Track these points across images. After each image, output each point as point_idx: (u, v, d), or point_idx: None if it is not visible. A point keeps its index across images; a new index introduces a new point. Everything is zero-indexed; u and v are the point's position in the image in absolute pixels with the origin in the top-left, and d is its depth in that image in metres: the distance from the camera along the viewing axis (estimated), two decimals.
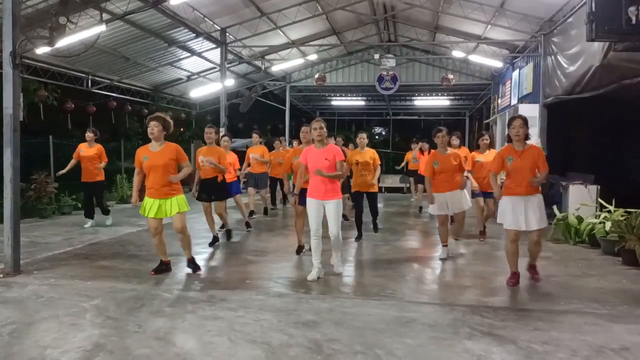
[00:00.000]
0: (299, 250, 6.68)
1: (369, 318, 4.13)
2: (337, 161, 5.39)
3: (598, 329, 3.93)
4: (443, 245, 6.55)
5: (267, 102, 20.33)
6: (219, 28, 12.84)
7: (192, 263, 5.70)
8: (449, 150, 6.60)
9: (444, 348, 3.53)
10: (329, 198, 5.37)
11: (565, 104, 9.78)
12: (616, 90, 7.74)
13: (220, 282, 5.33)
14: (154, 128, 5.30)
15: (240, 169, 9.11)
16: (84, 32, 8.24)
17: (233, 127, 20.07)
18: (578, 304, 4.56)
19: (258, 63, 16.48)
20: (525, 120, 5.12)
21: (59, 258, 6.36)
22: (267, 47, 15.07)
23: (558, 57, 9.90)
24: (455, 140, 9.26)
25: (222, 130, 12.92)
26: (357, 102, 24.04)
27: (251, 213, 10.37)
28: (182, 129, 19.55)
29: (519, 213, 5.05)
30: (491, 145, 8.28)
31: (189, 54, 13.71)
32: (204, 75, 16.05)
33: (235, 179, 8.76)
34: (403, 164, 13.68)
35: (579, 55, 8.47)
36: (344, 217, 8.69)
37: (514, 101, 13.35)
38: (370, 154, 7.58)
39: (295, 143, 12.40)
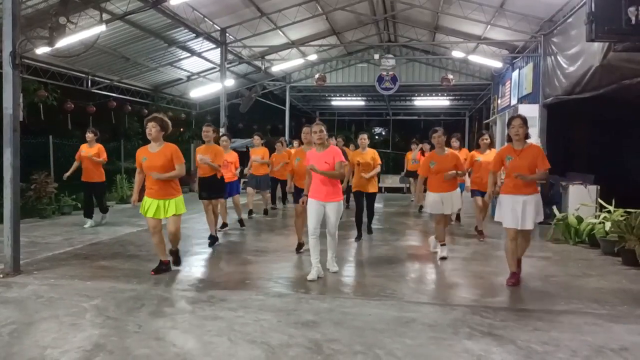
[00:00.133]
0: (299, 247, 6.77)
1: (369, 318, 4.13)
2: (336, 162, 5.43)
3: (598, 329, 3.93)
4: (441, 245, 6.57)
5: (267, 102, 20.33)
6: (219, 28, 12.84)
7: (175, 255, 5.81)
8: (447, 151, 6.63)
9: (443, 348, 3.53)
10: (330, 199, 5.45)
11: (565, 104, 9.78)
12: (616, 90, 7.74)
13: (220, 282, 5.33)
14: (151, 129, 5.35)
15: (242, 168, 9.12)
16: (83, 32, 8.24)
17: (233, 127, 20.07)
18: (578, 304, 4.56)
19: (258, 63, 16.48)
20: (524, 120, 5.15)
21: (59, 258, 6.36)
22: (267, 47, 15.08)
23: (558, 57, 9.90)
24: (455, 142, 9.29)
25: (222, 130, 12.95)
26: (357, 102, 24.06)
27: (250, 212, 10.42)
28: (182, 129, 19.54)
29: (518, 212, 5.10)
30: (491, 145, 8.31)
31: (189, 54, 13.71)
32: (204, 76, 16.05)
33: (236, 178, 8.78)
34: (409, 164, 13.60)
35: (579, 56, 8.47)
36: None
37: (514, 101, 13.35)
38: (371, 155, 7.65)
39: (295, 143, 12.42)
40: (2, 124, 5.56)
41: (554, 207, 8.59)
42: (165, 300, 4.59)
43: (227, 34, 13.31)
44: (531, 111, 10.56)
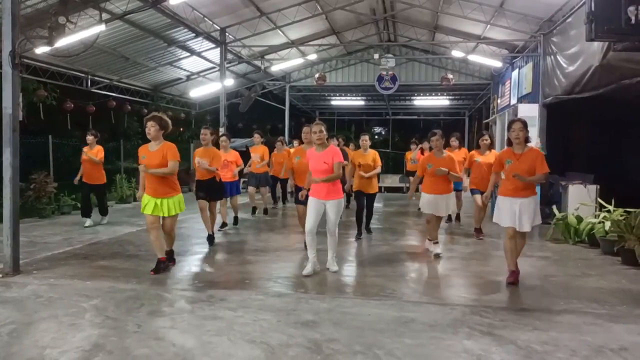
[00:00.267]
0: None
1: (369, 318, 4.13)
2: (334, 162, 5.45)
3: (597, 328, 3.93)
4: (434, 243, 6.64)
5: (267, 101, 20.32)
6: (219, 28, 12.83)
7: (169, 255, 5.85)
8: (445, 154, 6.67)
9: (443, 348, 3.53)
10: (330, 198, 5.51)
11: (565, 104, 9.78)
12: (615, 90, 7.74)
13: (219, 282, 5.33)
14: (150, 128, 5.41)
15: (243, 167, 9.11)
16: (83, 32, 8.24)
17: (233, 126, 20.07)
18: (577, 304, 4.56)
19: (257, 63, 16.47)
20: (524, 124, 5.19)
21: (58, 258, 6.35)
22: (267, 47, 15.07)
23: (557, 57, 9.90)
24: (454, 142, 9.29)
25: (222, 130, 12.96)
26: (357, 102, 24.06)
27: (253, 210, 10.46)
28: (181, 129, 19.55)
29: (515, 213, 5.14)
30: (491, 146, 8.32)
31: (188, 54, 13.71)
32: (203, 75, 16.05)
33: (236, 179, 8.77)
34: (408, 164, 13.68)
35: (579, 55, 8.47)
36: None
37: (514, 101, 13.35)
38: (372, 156, 7.70)
39: (295, 143, 12.44)
40: (1, 123, 5.55)
41: (554, 207, 8.60)
42: (164, 300, 4.59)
43: (227, 34, 13.31)
44: (531, 111, 10.57)
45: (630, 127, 11.34)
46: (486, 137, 8.26)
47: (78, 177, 8.89)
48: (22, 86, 7.81)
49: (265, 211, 10.82)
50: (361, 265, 6.27)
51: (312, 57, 16.65)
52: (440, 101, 23.15)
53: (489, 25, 12.49)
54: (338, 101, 24.01)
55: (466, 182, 8.60)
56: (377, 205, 10.04)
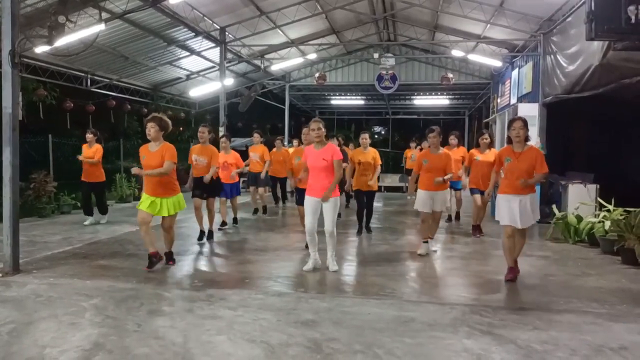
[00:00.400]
0: None
1: (368, 317, 4.13)
2: (334, 160, 5.45)
3: (597, 328, 3.93)
4: (423, 242, 6.64)
5: (267, 101, 20.32)
6: (218, 27, 12.83)
7: (169, 256, 5.90)
8: (441, 150, 6.69)
9: (443, 347, 3.53)
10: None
11: (565, 103, 9.78)
12: (615, 89, 7.74)
13: (219, 281, 5.33)
14: (150, 129, 5.46)
15: (243, 170, 9.13)
16: (83, 31, 8.22)
17: (232, 126, 20.07)
18: (577, 303, 4.56)
19: (257, 62, 16.46)
20: (525, 122, 5.23)
21: (58, 257, 6.35)
22: (267, 46, 15.06)
23: (557, 56, 9.90)
24: (453, 140, 9.29)
25: (222, 130, 12.95)
26: (357, 101, 24.06)
27: (255, 211, 10.49)
28: (181, 128, 19.54)
29: (514, 210, 5.17)
30: (491, 145, 8.33)
31: (188, 53, 13.70)
32: (203, 75, 16.04)
33: (237, 179, 8.75)
34: (408, 162, 13.79)
35: (579, 55, 8.46)
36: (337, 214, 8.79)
37: (514, 100, 13.35)
38: (372, 154, 7.71)
39: (295, 142, 12.43)
40: (1, 123, 5.54)
41: (554, 206, 8.60)
42: (164, 299, 4.59)
43: (227, 33, 13.31)
44: (531, 110, 10.56)
45: (630, 127, 11.34)
46: (486, 135, 8.27)
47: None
48: (22, 85, 7.82)
49: (265, 210, 10.81)
50: (361, 265, 6.27)
51: (312, 56, 16.64)
52: (440, 100, 23.15)
53: (489, 25, 12.49)
54: (338, 100, 24.01)
55: (465, 180, 8.62)
56: (377, 204, 10.03)
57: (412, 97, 22.92)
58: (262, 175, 10.21)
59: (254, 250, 6.97)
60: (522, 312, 4.32)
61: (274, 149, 11.06)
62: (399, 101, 24.35)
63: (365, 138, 7.82)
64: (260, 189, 10.58)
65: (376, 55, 15.91)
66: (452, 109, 25.32)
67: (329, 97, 23.48)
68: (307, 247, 6.69)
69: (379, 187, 8.24)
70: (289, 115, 20.09)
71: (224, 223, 8.57)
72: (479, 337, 3.71)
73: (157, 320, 4.04)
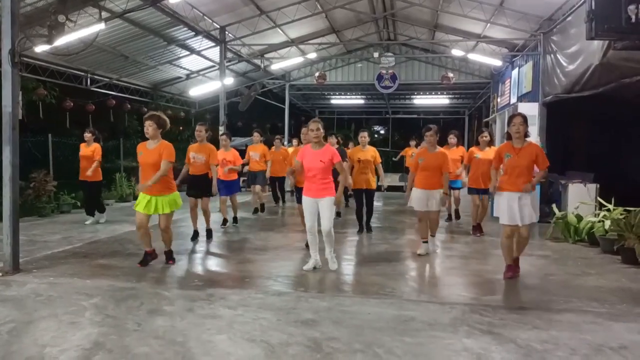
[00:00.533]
0: None
1: (368, 316, 4.13)
2: (336, 163, 5.46)
3: (597, 327, 3.93)
4: (423, 241, 6.63)
5: (267, 100, 20.31)
6: (218, 26, 12.82)
7: (168, 254, 5.91)
8: (438, 149, 6.69)
9: (443, 346, 3.53)
10: (322, 196, 5.49)
11: (565, 103, 9.78)
12: (615, 89, 7.74)
13: (219, 281, 5.33)
14: (148, 127, 5.49)
15: (240, 168, 9.12)
16: (83, 31, 8.22)
17: (232, 125, 20.05)
18: (577, 303, 4.56)
19: (257, 61, 16.42)
20: (525, 118, 5.22)
21: (58, 256, 6.35)
22: (267, 46, 15.05)
23: (557, 55, 9.90)
24: (452, 139, 9.29)
25: (222, 129, 12.95)
26: (357, 100, 24.05)
27: (255, 210, 10.51)
28: (181, 128, 19.53)
29: (514, 209, 5.16)
30: (491, 143, 8.33)
31: (188, 53, 13.70)
32: (203, 74, 16.03)
33: (236, 177, 8.76)
34: (401, 154, 13.93)
35: (579, 54, 8.46)
36: (337, 214, 8.81)
37: (514, 100, 13.34)
38: (371, 152, 7.72)
39: (294, 142, 12.43)
40: (1, 122, 5.54)
41: (554, 206, 8.60)
42: (164, 299, 4.59)
43: (227, 32, 13.30)
44: (531, 110, 10.55)
45: (630, 126, 11.34)
46: (485, 134, 8.28)
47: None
48: (22, 85, 7.83)
49: (262, 208, 10.80)
50: (361, 264, 6.27)
51: (312, 55, 16.63)
52: (440, 100, 23.14)
53: (489, 24, 12.49)
54: (338, 100, 24.00)
55: (465, 179, 8.63)
56: (377, 204, 10.03)
57: (412, 96, 22.91)
58: (267, 175, 10.25)
59: (254, 250, 6.97)
60: (522, 311, 4.32)
61: (273, 148, 11.05)
62: (398, 100, 24.34)
63: (364, 136, 7.85)
64: (258, 187, 10.57)
65: (376, 55, 15.90)
66: (452, 109, 25.31)
67: (328, 96, 23.47)
68: (307, 246, 6.71)
69: (379, 187, 8.23)
70: (289, 115, 20.08)
71: (224, 221, 8.58)
72: (479, 336, 3.71)
73: (157, 319, 4.04)
